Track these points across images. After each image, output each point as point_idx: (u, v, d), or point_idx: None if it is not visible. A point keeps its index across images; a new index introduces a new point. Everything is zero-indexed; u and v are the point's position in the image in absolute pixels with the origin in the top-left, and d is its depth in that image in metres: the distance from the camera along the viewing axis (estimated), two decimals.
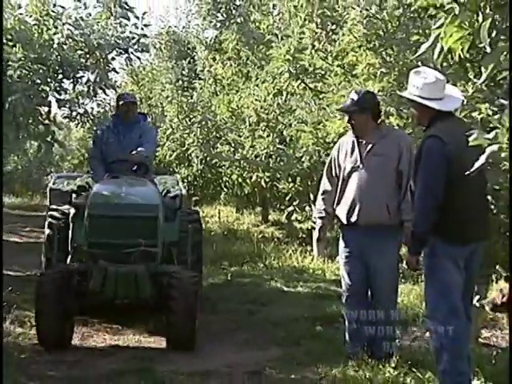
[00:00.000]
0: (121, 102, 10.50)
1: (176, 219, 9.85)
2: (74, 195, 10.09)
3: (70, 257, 9.36)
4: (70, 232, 9.53)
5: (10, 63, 12.11)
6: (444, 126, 6.57)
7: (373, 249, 7.67)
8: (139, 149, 9.90)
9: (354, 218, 7.79)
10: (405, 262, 7.06)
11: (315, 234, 8.54)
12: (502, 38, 3.93)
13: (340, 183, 8.02)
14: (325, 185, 8.29)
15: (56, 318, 8.08)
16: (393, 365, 7.71)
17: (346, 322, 8.19)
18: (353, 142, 7.96)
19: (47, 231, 10.15)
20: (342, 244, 8.07)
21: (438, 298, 6.75)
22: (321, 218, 8.33)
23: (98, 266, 8.13)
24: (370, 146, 7.75)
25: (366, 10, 11.76)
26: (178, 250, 9.90)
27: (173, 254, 9.74)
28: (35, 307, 8.26)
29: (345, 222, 7.91)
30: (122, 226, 8.54)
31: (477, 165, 4.43)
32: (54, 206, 10.69)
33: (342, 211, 7.94)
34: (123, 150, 9.95)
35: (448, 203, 6.57)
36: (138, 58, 14.54)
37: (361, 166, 7.80)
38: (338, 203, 8.00)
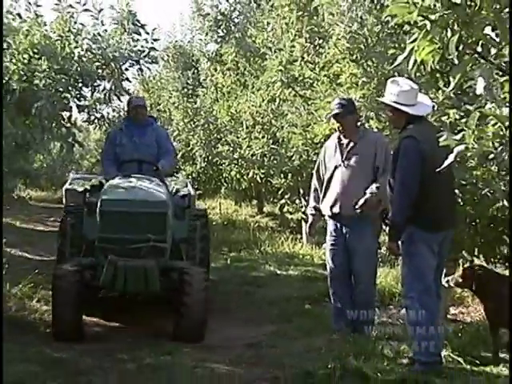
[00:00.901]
0: (131, 106, 9.97)
1: (185, 217, 9.19)
2: (87, 194, 9.41)
3: (82, 252, 8.77)
4: (83, 228, 8.98)
5: (36, 73, 12.15)
6: (417, 129, 6.70)
7: (353, 236, 7.75)
8: (161, 162, 9.37)
9: (336, 210, 7.89)
10: (386, 247, 7.13)
11: (306, 226, 8.53)
12: (467, 51, 3.97)
13: (325, 181, 8.12)
14: (314, 184, 8.43)
15: (72, 312, 7.73)
16: (372, 338, 7.78)
17: (332, 302, 8.24)
18: (335, 144, 8.09)
19: (61, 227, 9.65)
20: (328, 233, 8.14)
21: (413, 279, 6.88)
22: (312, 214, 8.45)
23: (108, 261, 7.67)
24: (351, 145, 7.82)
25: (349, 26, 11.77)
26: (187, 246, 9.24)
27: (182, 251, 9.09)
28: (52, 301, 7.93)
29: (329, 213, 8.00)
30: (131, 221, 8.03)
31: (447, 162, 4.47)
32: (68, 204, 10.01)
33: (326, 204, 8.05)
34: (137, 151, 9.42)
35: (423, 196, 6.70)
36: (149, 68, 14.53)
37: (342, 164, 7.91)
38: (324, 197, 8.10)
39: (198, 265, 9.04)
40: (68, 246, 8.96)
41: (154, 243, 7.89)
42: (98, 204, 8.22)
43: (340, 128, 8.08)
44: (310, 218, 8.51)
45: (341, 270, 8.06)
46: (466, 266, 7.63)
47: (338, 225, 7.98)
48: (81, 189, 10.63)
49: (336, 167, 7.97)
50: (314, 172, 8.52)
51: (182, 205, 9.11)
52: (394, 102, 6.94)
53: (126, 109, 10.38)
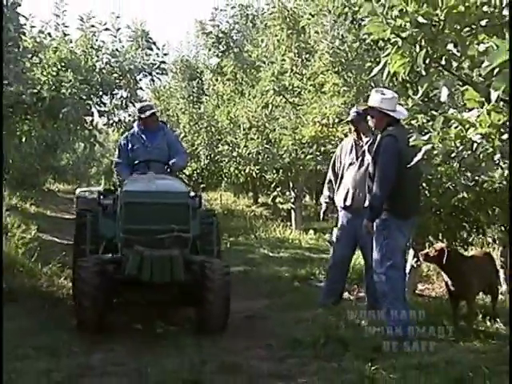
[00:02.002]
0: (142, 116, 8.82)
1: (196, 217, 8.00)
2: (101, 197, 8.46)
3: (101, 249, 7.95)
4: (100, 227, 8.11)
5: (63, 84, 12.14)
6: (395, 130, 6.81)
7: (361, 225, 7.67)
8: (175, 159, 8.54)
9: (348, 202, 7.89)
10: (363, 226, 7.13)
11: (321, 212, 8.48)
12: (432, 64, 3.97)
13: (340, 175, 8.15)
14: (329, 177, 8.45)
15: (95, 304, 6.89)
16: (352, 311, 7.80)
17: (326, 281, 8.22)
18: (351, 144, 8.11)
19: (77, 227, 8.52)
20: (339, 222, 8.15)
21: (382, 257, 6.99)
22: (326, 202, 8.45)
23: (134, 251, 6.88)
24: (365, 147, 7.82)
25: (332, 43, 11.79)
26: (203, 242, 8.16)
27: (197, 246, 8.01)
28: (75, 295, 7.36)
29: (341, 205, 8.01)
30: (155, 212, 7.24)
31: (416, 159, 4.47)
32: (82, 207, 9.47)
33: (339, 197, 8.05)
34: (149, 155, 8.52)
35: (397, 188, 6.85)
36: (159, 79, 14.62)
37: (356, 162, 7.91)
38: (338, 190, 8.12)
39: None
40: (88, 245, 8.07)
41: (178, 233, 7.12)
42: (122, 196, 7.48)
43: (355, 131, 8.12)
44: (324, 206, 8.50)
45: (343, 257, 8.05)
46: (439, 245, 7.64)
47: (350, 216, 7.95)
48: (90, 196, 10.61)
49: (350, 164, 8.00)
50: (330, 166, 8.54)
51: (194, 205, 7.93)
52: (379, 107, 7.07)
53: (137, 114, 9.32)
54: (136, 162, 8.49)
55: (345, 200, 7.90)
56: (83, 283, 6.92)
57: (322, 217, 8.64)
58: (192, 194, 8.15)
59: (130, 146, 8.71)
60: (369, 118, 7.40)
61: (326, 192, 8.47)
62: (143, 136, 8.75)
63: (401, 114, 7.13)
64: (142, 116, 8.76)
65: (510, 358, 3.44)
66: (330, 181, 8.36)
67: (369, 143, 7.84)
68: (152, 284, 6.97)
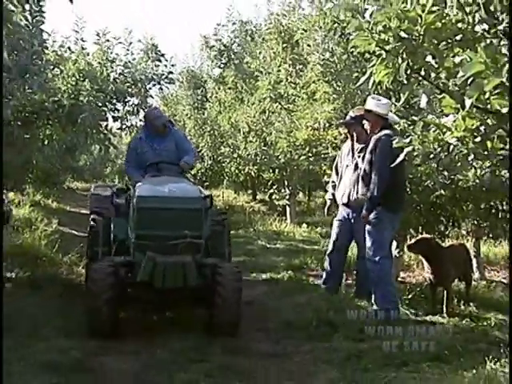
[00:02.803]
0: (152, 122, 8.08)
1: (207, 217, 7.15)
2: (114, 196, 7.83)
3: (113, 251, 7.22)
4: (112, 228, 7.40)
5: (81, 92, 12.14)
6: (389, 132, 6.87)
7: (358, 220, 7.63)
8: (185, 158, 7.83)
9: (345, 200, 7.83)
10: (361, 217, 7.17)
11: (326, 209, 8.45)
12: (413, 74, 3.97)
13: (340, 175, 8.11)
14: (332, 176, 8.43)
15: (108, 308, 6.09)
16: (342, 296, 7.81)
17: (327, 266, 8.21)
18: (349, 147, 8.05)
19: (90, 228, 7.86)
20: (338, 216, 8.12)
21: (377, 247, 7.13)
22: (329, 199, 8.40)
23: (147, 257, 6.17)
24: (360, 150, 7.79)
25: (322, 55, 11.78)
26: (214, 244, 7.31)
27: (208, 247, 7.11)
28: (88, 300, 6.27)
29: (340, 202, 7.98)
30: (169, 218, 6.48)
31: (398, 160, 4.48)
32: (96, 205, 8.56)
33: (338, 194, 8.01)
34: (159, 158, 7.79)
35: (390, 185, 7.01)
36: (167, 87, 14.66)
37: (351, 164, 7.87)
38: (338, 188, 8.08)
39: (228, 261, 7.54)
40: (100, 246, 7.36)
41: (191, 239, 6.38)
42: (134, 201, 6.66)
43: (351, 135, 8.05)
44: (328, 202, 8.45)
45: (341, 245, 7.99)
46: (422, 236, 7.68)
47: (347, 211, 7.90)
48: (105, 194, 9.52)
49: (347, 166, 7.95)
50: (333, 168, 8.49)
51: (205, 206, 7.09)
52: (376, 111, 7.20)
53: (144, 119, 8.55)
54: (147, 163, 7.73)
55: (342, 197, 7.88)
56: (96, 285, 6.16)
57: (326, 212, 8.62)
58: (203, 193, 7.25)
59: (139, 150, 8.00)
60: (365, 121, 7.43)
61: (330, 189, 8.46)
62: (151, 140, 8.00)
63: (394, 119, 7.28)
64: (156, 123, 7.99)
65: (511, 358, 3.38)
66: (333, 180, 8.33)
67: (359, 149, 7.82)
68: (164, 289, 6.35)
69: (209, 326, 6.45)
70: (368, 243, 7.17)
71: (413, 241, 7.61)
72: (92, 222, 7.79)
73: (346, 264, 8.36)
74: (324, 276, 8.24)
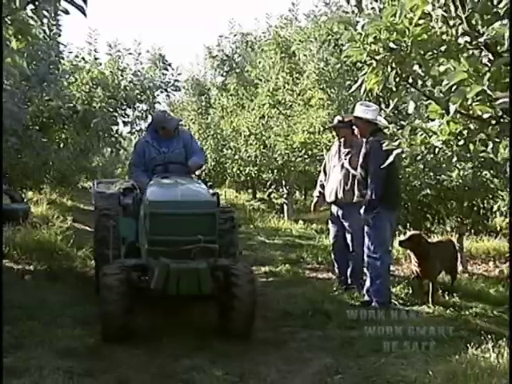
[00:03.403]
0: (160, 125, 7.38)
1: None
2: (121, 196, 7.15)
3: (123, 253, 6.66)
4: (121, 230, 6.88)
5: (94, 99, 12.20)
6: (380, 137, 6.81)
7: (347, 216, 7.63)
8: (193, 158, 7.25)
9: (333, 198, 7.83)
10: (362, 218, 7.15)
11: (313, 205, 8.46)
12: (401, 82, 3.97)
13: (327, 174, 8.09)
14: (320, 175, 8.39)
15: (121, 314, 5.56)
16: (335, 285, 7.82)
17: (334, 261, 8.23)
18: (336, 149, 8.03)
19: (98, 230, 7.35)
20: (330, 214, 8.12)
21: (378, 243, 7.07)
22: (317, 196, 8.36)
23: (160, 264, 5.55)
24: (346, 151, 7.78)
25: (318, 64, 11.81)
26: (223, 244, 6.55)
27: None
28: (101, 306, 5.65)
29: (328, 200, 7.98)
30: (182, 223, 5.86)
31: (388, 161, 4.49)
32: (102, 207, 7.84)
33: (327, 193, 7.99)
34: (167, 159, 7.18)
35: (387, 186, 6.97)
36: (174, 94, 14.71)
37: (338, 165, 7.86)
38: (326, 187, 8.07)
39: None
40: (111, 249, 6.72)
41: (205, 244, 5.75)
42: (146, 206, 6.03)
43: (338, 137, 8.04)
44: (315, 200, 8.43)
45: (339, 241, 7.95)
46: (413, 233, 7.68)
47: (337, 208, 7.89)
48: (110, 191, 9.04)
49: (334, 166, 7.93)
50: (322, 168, 8.47)
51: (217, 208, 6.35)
52: (365, 117, 7.16)
53: (152, 122, 7.77)
54: (155, 164, 7.11)
55: (330, 195, 7.88)
56: (109, 292, 5.55)
57: (313, 208, 8.63)
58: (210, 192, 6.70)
59: (146, 154, 7.28)
60: (355, 127, 7.42)
61: (318, 188, 8.43)
62: (159, 144, 7.31)
63: (383, 123, 7.14)
64: (168, 127, 7.33)
65: (511, 353, 3.40)
66: (321, 180, 8.31)
67: (346, 153, 7.81)
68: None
69: (224, 328, 5.94)
70: (369, 240, 7.09)
71: (405, 237, 7.59)
72: (99, 223, 7.31)
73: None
74: (336, 268, 8.27)
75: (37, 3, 3.34)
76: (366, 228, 7.10)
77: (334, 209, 7.92)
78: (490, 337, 5.15)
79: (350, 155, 7.67)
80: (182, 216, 5.90)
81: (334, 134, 8.36)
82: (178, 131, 7.47)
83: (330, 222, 8.14)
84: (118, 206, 7.04)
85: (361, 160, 7.21)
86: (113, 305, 5.52)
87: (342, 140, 7.92)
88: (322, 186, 8.20)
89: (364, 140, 7.25)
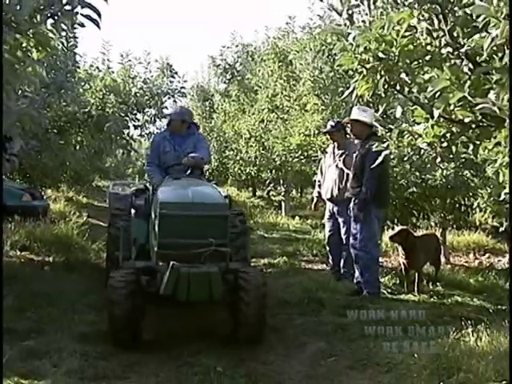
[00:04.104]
0: (171, 122, 7.14)
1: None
2: (133, 197, 6.72)
3: (134, 255, 6.12)
4: (132, 231, 6.34)
5: (107, 104, 12.24)
6: (376, 139, 6.77)
7: (342, 212, 7.61)
8: (193, 154, 6.67)
9: (328, 195, 7.83)
10: (353, 216, 7.12)
11: (313, 204, 8.47)
12: (390, 89, 3.98)
13: (323, 174, 8.10)
14: (318, 176, 8.41)
15: (130, 318, 4.97)
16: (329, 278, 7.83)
17: (329, 254, 8.22)
18: (331, 151, 8.04)
19: (110, 231, 6.92)
20: (326, 210, 8.10)
21: (368, 238, 7.03)
22: (316, 196, 8.38)
23: (170, 268, 4.91)
24: (340, 153, 7.78)
25: (313, 72, 11.81)
26: (234, 246, 5.95)
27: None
28: (108, 309, 5.05)
29: (324, 197, 7.98)
30: (193, 225, 5.28)
31: (377, 161, 4.49)
32: (114, 207, 7.39)
33: (323, 190, 8.00)
34: (179, 158, 6.68)
35: (379, 185, 6.95)
36: (180, 100, 14.71)
37: (333, 165, 7.86)
38: (322, 186, 8.08)
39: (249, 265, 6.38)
40: (121, 251, 6.11)
41: (216, 248, 5.17)
42: (157, 207, 5.42)
43: (332, 140, 8.05)
44: (315, 199, 8.43)
45: (334, 236, 7.92)
46: (401, 228, 7.67)
47: (332, 205, 7.88)
48: (123, 193, 8.67)
49: (329, 166, 7.92)
50: (319, 169, 8.48)
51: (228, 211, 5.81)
52: (363, 120, 7.10)
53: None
54: (167, 165, 6.72)
55: (326, 193, 7.87)
56: (117, 295, 4.96)
57: (313, 207, 8.63)
58: (226, 193, 6.24)
59: (161, 148, 6.94)
60: (350, 130, 7.42)
61: (316, 188, 8.44)
62: (174, 140, 6.96)
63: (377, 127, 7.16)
64: (174, 118, 7.07)
65: (510, 354, 3.41)
66: (319, 180, 8.32)
67: (339, 154, 7.81)
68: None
69: (234, 333, 5.32)
70: (359, 235, 7.05)
71: (394, 232, 7.58)
72: (111, 224, 6.88)
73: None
74: (330, 261, 8.26)
75: (56, 18, 3.35)
76: (357, 224, 7.06)
77: (330, 205, 7.91)
78: (469, 322, 5.16)
79: (343, 156, 7.67)
80: (193, 218, 5.30)
81: (328, 137, 8.36)
82: (188, 127, 7.03)
83: (325, 217, 8.14)
84: (130, 206, 6.60)
85: (357, 160, 7.16)
86: (121, 310, 4.92)
87: (335, 143, 7.94)
88: (320, 186, 8.20)
89: (359, 142, 7.23)
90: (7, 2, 3.12)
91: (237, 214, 6.77)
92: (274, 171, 16.12)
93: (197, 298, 5.08)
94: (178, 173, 6.43)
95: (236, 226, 6.47)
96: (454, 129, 3.76)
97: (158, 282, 5.08)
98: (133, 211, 6.47)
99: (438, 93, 3.51)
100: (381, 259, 9.02)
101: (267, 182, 18.26)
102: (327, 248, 8.27)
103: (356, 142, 7.40)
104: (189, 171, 6.42)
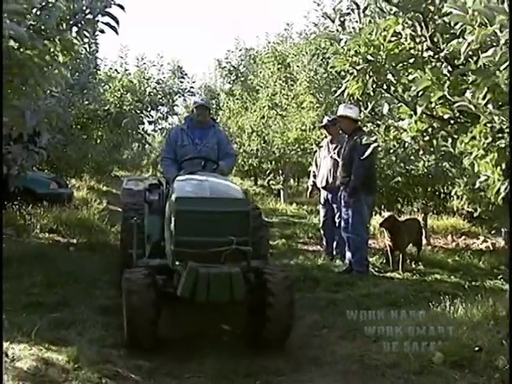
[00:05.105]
0: (195, 105, 6.31)
1: None
2: (147, 193, 5.79)
3: (147, 252, 5.28)
4: (146, 227, 5.43)
5: (124, 103, 12.24)
6: (361, 133, 6.77)
7: (335, 199, 7.59)
8: (225, 161, 5.95)
9: (323, 184, 7.82)
10: (343, 202, 7.12)
11: (308, 193, 8.46)
12: (378, 88, 3.99)
13: (318, 165, 8.08)
14: (313, 167, 8.39)
15: (150, 322, 4.24)
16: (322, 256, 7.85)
17: (324, 238, 8.20)
18: (326, 143, 8.05)
19: (124, 228, 6.05)
20: (321, 198, 8.07)
21: (359, 223, 7.04)
22: (311, 185, 8.37)
23: (188, 269, 4.16)
24: (335, 146, 7.77)
25: (308, 74, 11.79)
26: (254, 244, 4.74)
27: None
28: (126, 313, 4.33)
29: (319, 185, 7.96)
30: (212, 222, 4.45)
31: (366, 153, 4.49)
32: (128, 203, 6.63)
33: (318, 179, 7.97)
34: (199, 153, 5.88)
35: (368, 174, 6.99)
36: (189, 98, 14.75)
37: (327, 156, 7.85)
38: (318, 175, 8.05)
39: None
40: (135, 248, 5.25)
41: (237, 246, 4.36)
42: (173, 203, 4.57)
43: (328, 133, 8.03)
44: (310, 188, 8.41)
45: (328, 220, 7.90)
46: (389, 214, 7.66)
47: (326, 192, 7.86)
48: (137, 188, 7.90)
49: (325, 157, 7.90)
50: (313, 161, 8.45)
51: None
52: (350, 116, 7.10)
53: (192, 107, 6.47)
54: (183, 159, 5.78)
55: (321, 182, 7.86)
56: (134, 299, 4.24)
57: (308, 195, 8.63)
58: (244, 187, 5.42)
59: (179, 141, 6.07)
60: (338, 125, 7.41)
61: (311, 177, 8.42)
62: (193, 133, 6.09)
63: (362, 122, 7.19)
64: (194, 107, 6.27)
65: (510, 352, 3.39)
66: (314, 170, 8.30)
67: (333, 147, 7.81)
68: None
69: (256, 336, 4.54)
70: (351, 220, 7.04)
71: (383, 219, 7.57)
72: (124, 220, 6.04)
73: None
74: (324, 245, 8.24)
75: (79, 26, 3.38)
76: (348, 209, 7.06)
77: (324, 193, 7.91)
78: (447, 297, 5.19)
79: (337, 148, 7.68)
80: (212, 214, 4.48)
81: (324, 131, 8.33)
82: (209, 121, 6.26)
83: (320, 204, 8.14)
84: (144, 202, 5.74)
85: (347, 153, 7.14)
86: (139, 314, 4.22)
87: (330, 137, 7.94)
88: (315, 176, 8.20)
89: (347, 136, 7.23)
90: (38, 12, 3.15)
91: (252, 209, 5.33)
92: (273, 162, 16.11)
93: (217, 299, 4.28)
94: (194, 167, 5.59)
95: (253, 221, 5.13)
96: (434, 124, 3.77)
97: (176, 282, 4.37)
98: (146, 207, 5.62)
99: (421, 92, 3.52)
100: (369, 241, 9.07)
101: (267, 172, 18.24)
102: (321, 231, 8.26)
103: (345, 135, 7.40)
104: (202, 163, 5.72)
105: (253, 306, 4.51)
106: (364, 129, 7.12)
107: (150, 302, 4.24)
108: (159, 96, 13.35)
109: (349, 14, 4.22)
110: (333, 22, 4.17)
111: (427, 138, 3.88)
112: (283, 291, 4.40)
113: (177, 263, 4.40)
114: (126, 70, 13.74)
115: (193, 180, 5.06)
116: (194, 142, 6.03)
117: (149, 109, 13.29)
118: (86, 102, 11.76)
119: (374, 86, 3.97)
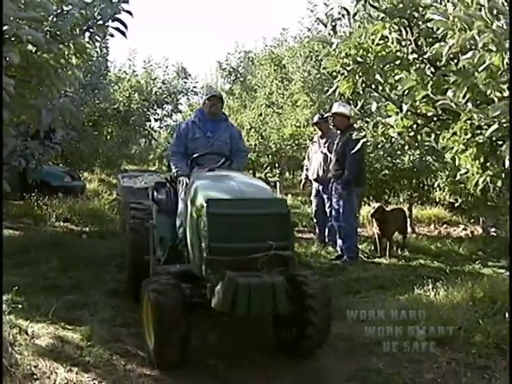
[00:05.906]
0: (207, 97, 5.40)
1: None
2: (154, 191, 4.97)
3: (163, 257, 4.54)
4: (157, 229, 4.73)
5: (132, 101, 12.24)
6: (352, 129, 6.74)
7: (325, 190, 7.55)
8: (237, 163, 5.14)
9: (315, 176, 7.80)
10: (337, 194, 7.11)
11: (301, 185, 8.45)
12: (366, 88, 3.99)
13: (310, 160, 8.06)
14: (306, 161, 8.39)
15: (182, 337, 3.52)
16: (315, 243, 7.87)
17: (316, 227, 8.18)
18: (317, 138, 8.01)
19: (132, 234, 5.08)
20: (313, 189, 8.06)
21: (349, 212, 7.06)
22: (304, 178, 8.36)
23: (226, 280, 3.39)
24: (325, 140, 7.76)
25: (302, 74, 11.77)
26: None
27: None
28: (157, 331, 3.54)
29: (311, 177, 7.95)
30: (249, 226, 3.68)
31: (356, 148, 4.51)
32: (130, 199, 6.09)
33: (310, 172, 7.97)
34: (211, 147, 5.08)
35: (358, 168, 6.97)
36: (192, 98, 14.79)
37: (318, 151, 7.84)
38: (309, 168, 8.04)
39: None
40: (152, 253, 4.62)
41: (277, 252, 3.56)
42: (202, 205, 3.75)
43: (319, 129, 8.00)
44: (303, 180, 8.40)
45: (320, 210, 7.88)
46: (378, 205, 7.66)
47: (317, 184, 7.85)
48: (138, 186, 7.25)
49: (316, 152, 7.89)
50: (306, 155, 8.44)
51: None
52: (343, 113, 7.08)
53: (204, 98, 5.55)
54: (196, 155, 4.94)
55: (313, 174, 7.86)
56: (166, 315, 3.49)
57: (302, 187, 8.64)
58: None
59: (190, 134, 5.23)
60: (331, 121, 7.39)
61: (304, 171, 8.43)
62: (205, 125, 5.26)
63: (355, 119, 7.13)
64: (206, 98, 5.40)
65: (510, 350, 3.41)
66: (306, 164, 8.30)
67: (324, 142, 7.81)
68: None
69: (294, 344, 3.90)
70: (342, 210, 7.04)
71: (373, 210, 7.58)
72: (133, 220, 5.39)
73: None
74: (317, 234, 8.23)
75: (91, 30, 3.40)
76: (340, 200, 7.06)
77: (316, 185, 7.92)
78: (430, 280, 5.21)
79: (327, 143, 7.68)
80: (249, 217, 3.73)
81: (316, 128, 8.32)
82: (221, 114, 5.52)
83: (312, 195, 8.15)
84: (152, 201, 5.02)
85: (339, 148, 7.11)
86: (170, 334, 3.51)
87: (320, 133, 7.94)
88: (307, 169, 8.21)
89: (339, 132, 7.22)
90: (54, 19, 3.19)
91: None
92: (270, 156, 16.04)
93: (259, 312, 3.60)
94: (206, 162, 4.89)
95: (292, 227, 4.39)
96: (419, 121, 3.78)
97: (209, 293, 3.60)
98: (155, 207, 4.98)
99: (406, 91, 3.54)
100: (359, 229, 9.09)
101: (265, 165, 18.22)
102: (314, 220, 8.26)
103: (337, 132, 7.40)
104: (222, 161, 4.95)
105: (290, 314, 3.71)
106: (354, 125, 7.16)
107: (183, 316, 3.56)
108: (164, 95, 13.32)
109: (340, 19, 4.24)
110: (325, 26, 4.17)
111: (412, 134, 3.89)
112: (321, 293, 3.83)
113: (209, 272, 3.61)
114: (134, 71, 13.72)
115: (218, 179, 4.33)
116: (205, 134, 5.21)
117: (155, 107, 13.28)
118: (97, 101, 11.75)
119: (363, 85, 3.98)
